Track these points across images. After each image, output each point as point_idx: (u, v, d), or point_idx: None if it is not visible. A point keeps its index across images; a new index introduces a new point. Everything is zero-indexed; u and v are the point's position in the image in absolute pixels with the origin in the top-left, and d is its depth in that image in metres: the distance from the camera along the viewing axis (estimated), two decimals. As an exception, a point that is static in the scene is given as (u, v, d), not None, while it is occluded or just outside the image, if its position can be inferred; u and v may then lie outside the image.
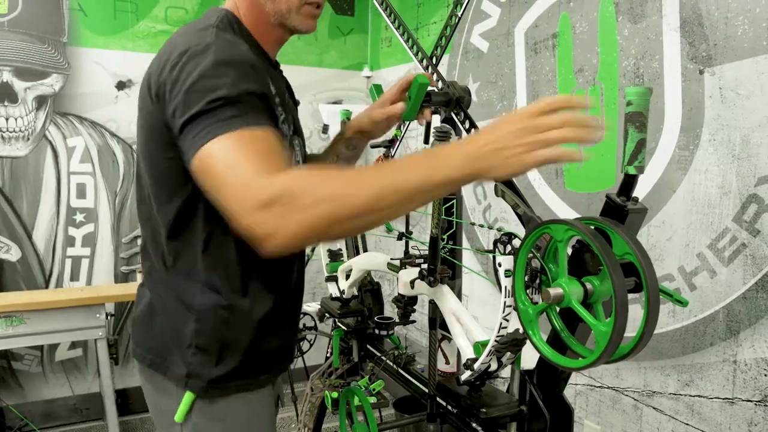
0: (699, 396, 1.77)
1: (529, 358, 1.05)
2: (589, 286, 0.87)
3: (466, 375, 1.09)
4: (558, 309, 0.93)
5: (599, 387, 2.09)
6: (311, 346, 1.87)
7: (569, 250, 0.92)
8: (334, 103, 3.65)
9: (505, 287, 0.97)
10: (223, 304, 1.09)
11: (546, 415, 1.06)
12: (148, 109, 1.05)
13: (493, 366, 1.07)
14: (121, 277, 3.20)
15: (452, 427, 1.29)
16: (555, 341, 0.94)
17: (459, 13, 1.41)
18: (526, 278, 0.96)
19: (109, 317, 2.78)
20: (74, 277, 3.11)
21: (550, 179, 2.30)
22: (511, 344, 1.01)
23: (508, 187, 1.07)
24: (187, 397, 1.10)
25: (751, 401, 1.63)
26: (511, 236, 1.00)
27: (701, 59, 1.73)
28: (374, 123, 1.36)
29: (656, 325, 0.83)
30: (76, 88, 3.02)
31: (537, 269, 0.94)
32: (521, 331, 1.01)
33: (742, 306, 1.64)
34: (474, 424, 1.09)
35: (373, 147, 1.93)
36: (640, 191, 1.91)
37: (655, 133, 1.87)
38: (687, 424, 1.80)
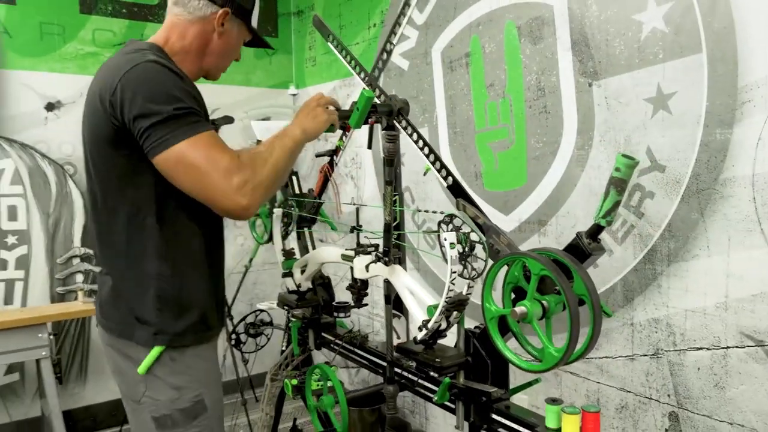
0: (606, 357, 2.10)
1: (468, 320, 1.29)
2: (545, 303, 1.12)
3: (421, 335, 1.32)
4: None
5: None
6: (268, 340, 2.04)
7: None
8: (264, 119, 3.82)
9: (451, 257, 1.22)
10: (176, 273, 1.37)
11: (488, 362, 1.31)
12: (99, 117, 1.30)
13: (443, 325, 1.31)
14: (58, 298, 3.20)
15: (406, 386, 1.52)
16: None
17: (394, 41, 1.67)
18: (466, 250, 1.21)
19: (51, 336, 2.79)
20: (8, 300, 3.08)
21: (471, 181, 2.60)
22: (457, 303, 1.25)
23: (468, 202, 1.33)
24: (154, 351, 1.34)
25: (646, 355, 1.96)
26: (452, 216, 1.25)
27: (589, 74, 2.08)
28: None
29: (598, 339, 1.10)
30: (4, 110, 3.02)
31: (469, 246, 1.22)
32: (464, 293, 1.26)
33: (635, 277, 1.98)
34: (431, 372, 1.32)
35: (318, 156, 2.15)
36: (548, 187, 2.25)
37: (557, 137, 2.20)
38: (598, 383, 2.12)
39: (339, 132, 2.03)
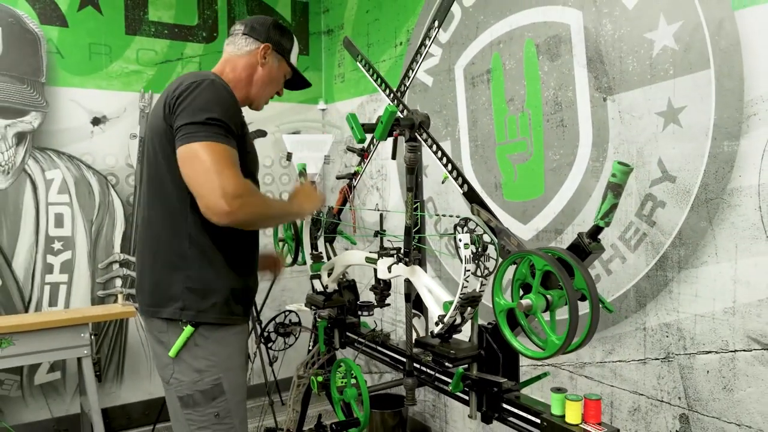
0: (619, 361, 2.17)
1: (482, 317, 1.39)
2: (549, 298, 1.22)
3: (437, 329, 1.43)
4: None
5: (540, 366, 2.47)
6: (296, 339, 2.17)
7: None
8: (294, 133, 3.99)
9: (465, 256, 1.33)
10: (206, 259, 1.56)
11: (499, 355, 1.41)
12: (159, 115, 1.54)
13: (458, 320, 1.42)
14: (98, 301, 3.38)
15: (426, 381, 1.63)
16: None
17: (419, 59, 1.80)
18: (479, 250, 1.32)
19: (92, 336, 2.97)
20: (53, 302, 3.28)
21: (491, 191, 2.71)
22: (471, 300, 1.36)
23: (482, 207, 1.44)
24: (184, 334, 1.53)
25: (657, 359, 2.03)
26: (467, 220, 1.36)
27: (604, 89, 2.18)
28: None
29: (596, 331, 1.19)
30: (54, 125, 3.24)
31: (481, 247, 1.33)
32: (477, 290, 1.37)
33: (647, 283, 2.06)
34: (446, 363, 1.42)
35: (338, 178, 2.29)
36: (564, 197, 2.34)
37: (574, 149, 2.30)
38: (612, 386, 2.19)
39: (358, 158, 2.18)
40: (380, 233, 1.74)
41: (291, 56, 1.82)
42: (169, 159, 1.53)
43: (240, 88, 1.72)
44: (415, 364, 1.67)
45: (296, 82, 1.92)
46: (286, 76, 1.85)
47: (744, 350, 1.78)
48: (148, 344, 1.73)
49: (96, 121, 3.36)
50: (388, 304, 1.85)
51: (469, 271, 1.33)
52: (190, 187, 1.46)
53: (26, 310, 3.21)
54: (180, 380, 1.56)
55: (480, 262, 1.35)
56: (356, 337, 1.98)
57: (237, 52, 1.75)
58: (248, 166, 1.62)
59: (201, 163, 1.41)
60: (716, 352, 1.85)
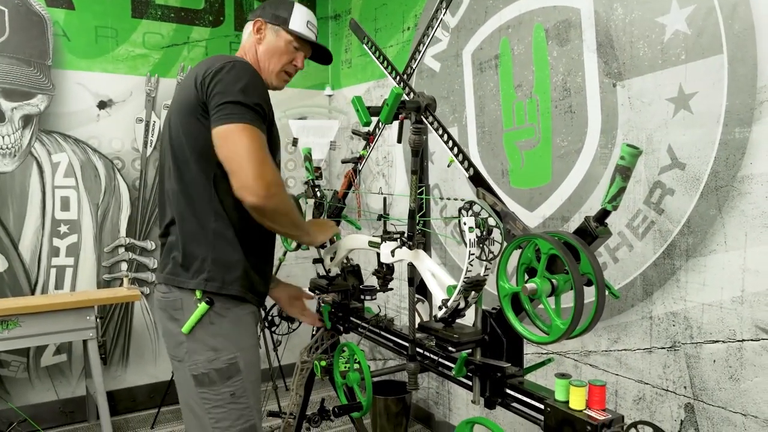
0: (625, 350, 2.15)
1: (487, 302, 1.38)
2: (555, 282, 1.20)
3: (441, 313, 1.42)
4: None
5: (545, 353, 2.46)
6: (300, 323, 2.16)
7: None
8: (301, 118, 3.97)
9: (469, 240, 1.31)
10: (232, 234, 1.59)
11: (503, 340, 1.40)
12: (190, 92, 1.55)
13: (461, 305, 1.40)
14: (104, 285, 3.39)
15: (429, 367, 1.62)
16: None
17: (426, 41, 1.77)
18: (483, 234, 1.31)
19: (97, 319, 2.98)
20: (59, 285, 3.29)
21: (498, 178, 2.68)
22: (475, 284, 1.34)
23: (487, 191, 1.42)
24: (198, 311, 1.54)
25: (664, 348, 2.02)
26: (471, 203, 1.34)
27: (614, 75, 2.14)
28: (286, 308, 2.06)
29: (601, 317, 1.17)
30: (61, 108, 3.23)
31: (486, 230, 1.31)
32: (482, 274, 1.35)
33: (654, 271, 2.04)
34: (449, 348, 1.41)
35: (343, 162, 2.27)
36: (571, 184, 2.32)
37: (582, 136, 2.27)
38: (617, 375, 2.18)
39: (363, 142, 2.15)
40: (384, 217, 1.72)
41: (291, 23, 1.77)
42: (191, 136, 1.55)
43: (258, 69, 1.74)
44: (418, 349, 1.66)
45: (320, 53, 1.88)
46: (295, 46, 1.79)
47: (752, 340, 1.75)
48: (159, 323, 1.73)
49: (102, 105, 3.35)
50: (391, 289, 1.83)
51: (473, 254, 1.31)
52: (227, 165, 1.47)
53: (32, 293, 3.22)
54: (195, 358, 1.56)
55: (485, 246, 1.33)
56: (360, 322, 1.97)
57: (245, 40, 1.80)
58: (276, 151, 1.66)
59: (243, 145, 1.44)
60: (723, 342, 1.83)
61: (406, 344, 1.70)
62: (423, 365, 1.65)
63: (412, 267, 1.58)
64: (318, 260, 2.03)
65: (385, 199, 1.74)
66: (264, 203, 1.46)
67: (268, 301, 2.34)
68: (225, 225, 1.58)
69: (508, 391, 1.39)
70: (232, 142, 1.45)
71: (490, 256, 1.33)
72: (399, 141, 1.75)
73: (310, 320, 2.06)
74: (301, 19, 1.78)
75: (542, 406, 1.28)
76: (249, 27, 1.79)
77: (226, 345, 1.57)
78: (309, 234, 1.74)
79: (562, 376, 1.26)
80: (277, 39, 1.76)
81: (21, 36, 3.08)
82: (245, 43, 1.80)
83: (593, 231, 1.23)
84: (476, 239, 1.32)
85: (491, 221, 1.33)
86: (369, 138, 2.13)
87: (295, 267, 3.92)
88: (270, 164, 1.49)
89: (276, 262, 2.11)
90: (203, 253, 1.57)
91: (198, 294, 1.57)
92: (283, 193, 1.51)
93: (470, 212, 1.35)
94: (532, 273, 1.27)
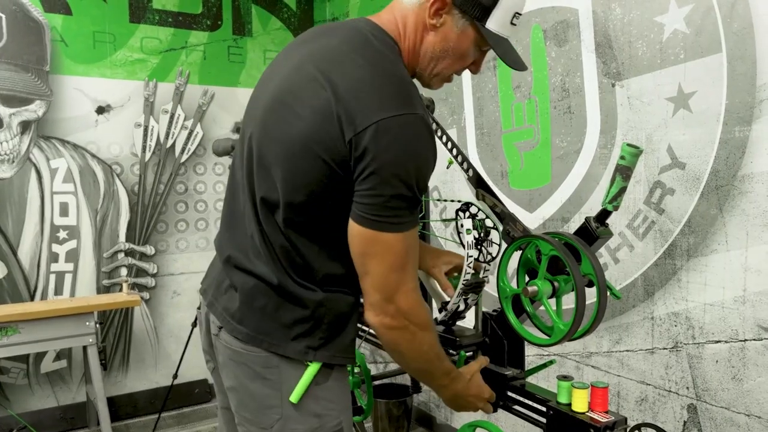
0: (627, 350, 2.14)
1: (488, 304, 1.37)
2: (556, 284, 1.20)
3: (441, 315, 1.41)
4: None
5: (546, 355, 2.45)
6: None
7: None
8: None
9: (467, 242, 1.30)
10: (339, 290, 1.20)
11: (504, 342, 1.39)
12: (322, 135, 1.06)
13: (461, 307, 1.39)
14: (103, 290, 3.38)
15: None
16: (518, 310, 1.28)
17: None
18: (481, 236, 1.30)
19: (97, 325, 2.97)
20: (58, 291, 3.28)
21: (497, 180, 2.67)
22: (474, 286, 1.33)
23: (487, 192, 1.42)
24: (309, 371, 1.17)
25: (666, 349, 2.01)
26: (468, 204, 1.34)
27: (613, 75, 2.14)
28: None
29: (603, 318, 1.17)
30: (59, 113, 3.23)
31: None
32: (480, 276, 1.34)
33: (655, 272, 2.03)
34: (451, 350, 1.40)
35: None
36: (571, 185, 2.31)
37: (581, 136, 2.26)
38: (619, 376, 2.17)
39: None
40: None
41: (491, 20, 1.14)
42: (315, 182, 1.09)
43: (408, 60, 1.19)
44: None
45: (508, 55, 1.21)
46: (480, 47, 1.20)
47: (754, 339, 1.74)
48: (225, 373, 1.28)
49: (100, 110, 3.35)
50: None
51: (471, 257, 1.31)
52: (357, 269, 1.12)
53: (32, 299, 3.21)
54: (292, 427, 1.18)
55: (483, 248, 1.32)
56: (360, 326, 1.96)
57: (406, 4, 1.17)
58: None
59: (388, 263, 1.08)
60: (726, 342, 1.82)
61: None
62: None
63: (412, 269, 1.57)
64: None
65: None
66: (383, 331, 1.14)
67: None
68: (336, 280, 1.20)
69: (510, 393, 1.38)
70: (368, 251, 1.09)
71: (489, 257, 1.33)
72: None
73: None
74: (506, 11, 1.15)
75: (544, 409, 1.27)
76: None
77: (332, 409, 1.21)
78: (445, 398, 1.31)
79: (565, 378, 1.25)
80: (461, 36, 1.16)
81: (19, 42, 3.08)
82: (406, 6, 1.17)
83: (594, 232, 1.22)
84: (474, 241, 1.31)
85: (489, 223, 1.32)
86: None
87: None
88: (412, 289, 1.11)
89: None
90: (305, 315, 1.20)
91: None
92: (416, 329, 1.13)
93: (467, 214, 1.34)
94: (532, 274, 1.26)
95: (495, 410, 1.38)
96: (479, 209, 1.32)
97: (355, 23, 1.18)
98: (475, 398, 1.32)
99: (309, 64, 1.12)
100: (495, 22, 1.14)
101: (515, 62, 1.22)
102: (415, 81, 1.21)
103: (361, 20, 1.19)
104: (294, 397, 1.16)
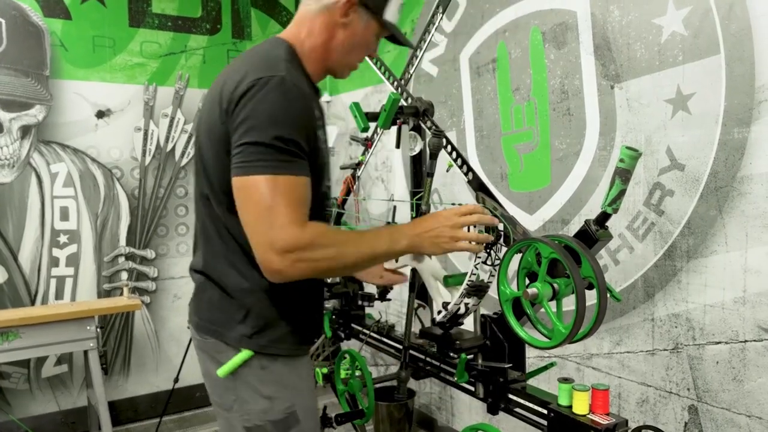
0: (627, 352, 2.14)
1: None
2: (556, 286, 1.20)
3: (440, 316, 1.41)
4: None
5: (547, 357, 2.45)
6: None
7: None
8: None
9: (474, 245, 1.30)
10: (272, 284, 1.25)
11: (505, 345, 1.39)
12: (215, 117, 1.24)
13: (462, 310, 1.39)
14: (104, 294, 3.39)
15: (431, 373, 1.61)
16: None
17: (423, 46, 1.77)
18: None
19: (98, 329, 2.97)
20: (59, 295, 3.28)
21: (497, 182, 2.68)
22: (478, 289, 1.33)
23: (487, 195, 1.42)
24: (240, 355, 1.28)
25: (666, 350, 2.01)
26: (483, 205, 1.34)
27: (611, 77, 2.14)
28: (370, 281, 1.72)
29: (603, 320, 1.16)
30: (59, 118, 3.23)
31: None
32: (486, 280, 1.35)
33: (655, 273, 2.03)
34: (451, 353, 1.41)
35: (342, 168, 2.27)
36: (571, 186, 2.32)
37: (580, 138, 2.27)
38: (620, 377, 2.17)
39: (362, 147, 2.14)
40: (390, 223, 1.72)
41: (387, 12, 1.36)
42: (226, 170, 1.22)
43: (315, 59, 1.35)
44: (420, 355, 1.65)
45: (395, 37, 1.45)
46: (378, 36, 1.41)
47: (755, 340, 1.75)
48: (199, 362, 1.43)
49: (100, 114, 3.35)
50: (389, 299, 1.83)
51: (480, 258, 1.31)
52: (245, 230, 1.20)
53: (32, 303, 3.21)
54: (246, 408, 1.31)
55: (492, 251, 1.32)
56: (361, 329, 1.97)
57: (313, 5, 1.33)
58: (321, 180, 1.34)
59: (255, 205, 1.15)
60: (726, 343, 1.82)
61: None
62: (425, 371, 1.64)
63: (413, 272, 1.58)
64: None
65: (395, 207, 1.74)
66: (282, 277, 1.17)
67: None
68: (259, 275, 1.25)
69: (511, 396, 1.38)
70: (244, 203, 1.17)
71: (496, 261, 1.33)
72: (397, 146, 1.75)
73: (395, 279, 1.65)
74: (396, 3, 1.39)
75: (546, 411, 1.28)
76: None
77: (281, 392, 1.32)
78: (402, 251, 1.29)
79: (565, 380, 1.25)
80: (365, 29, 1.35)
81: (18, 47, 3.08)
82: (312, 15, 1.33)
83: (594, 234, 1.23)
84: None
85: (500, 226, 1.32)
86: (367, 143, 2.13)
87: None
88: (285, 223, 1.13)
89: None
90: (242, 306, 1.32)
91: None
92: (307, 253, 1.14)
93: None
94: (532, 277, 1.26)
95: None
96: (491, 212, 1.33)
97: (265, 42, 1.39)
98: (431, 233, 1.26)
99: (221, 76, 1.33)
100: (390, 14, 1.37)
101: (407, 42, 1.49)
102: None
103: (270, 38, 1.39)
104: (221, 372, 1.30)
